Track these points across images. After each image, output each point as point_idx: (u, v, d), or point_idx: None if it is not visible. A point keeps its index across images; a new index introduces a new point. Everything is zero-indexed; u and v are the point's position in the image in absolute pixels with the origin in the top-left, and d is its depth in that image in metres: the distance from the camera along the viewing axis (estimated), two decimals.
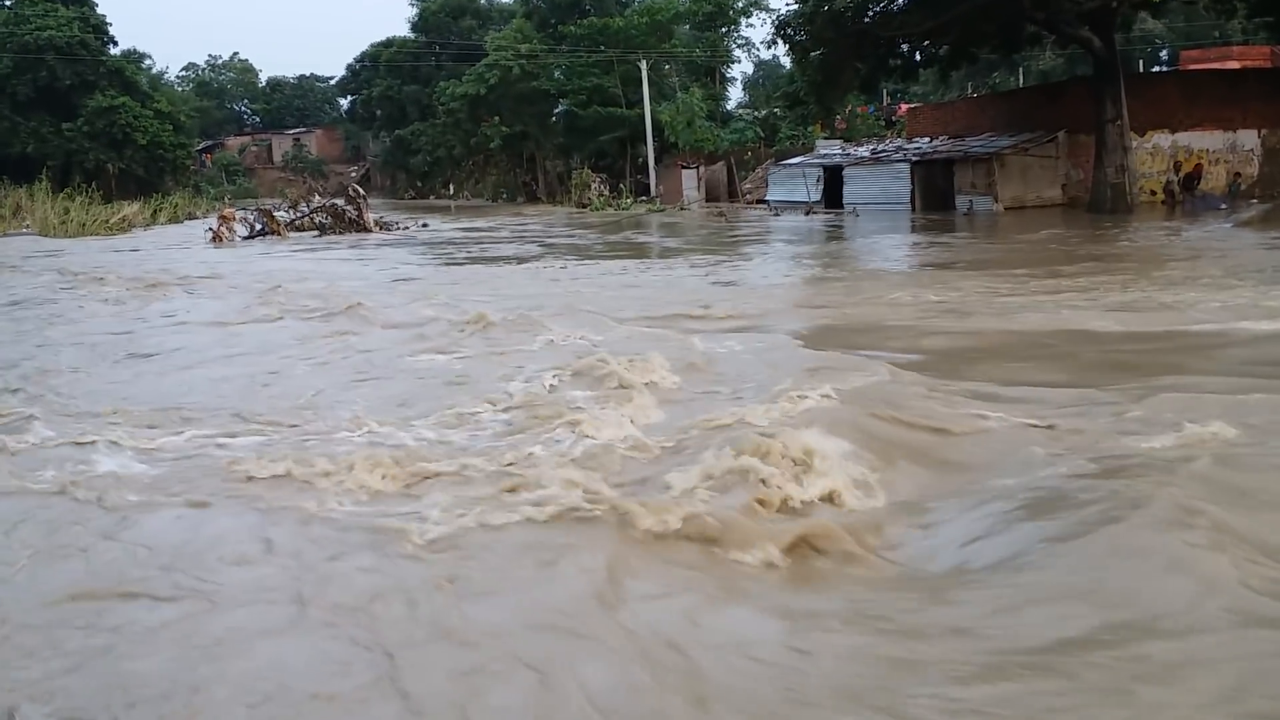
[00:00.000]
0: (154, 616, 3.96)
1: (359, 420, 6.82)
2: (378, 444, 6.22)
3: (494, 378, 8.19)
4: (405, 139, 62.73)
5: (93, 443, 6.44)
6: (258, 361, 9.62)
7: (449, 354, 9.58)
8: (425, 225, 34.38)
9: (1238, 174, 27.11)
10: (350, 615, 3.85)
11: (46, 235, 33.88)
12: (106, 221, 37.67)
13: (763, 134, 45.74)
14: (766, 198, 38.94)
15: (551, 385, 7.73)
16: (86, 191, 41.91)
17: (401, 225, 33.93)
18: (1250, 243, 18.25)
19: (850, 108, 45.29)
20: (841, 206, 34.07)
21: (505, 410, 7.04)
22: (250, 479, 5.57)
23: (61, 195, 41.16)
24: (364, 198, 34.24)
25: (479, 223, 36.45)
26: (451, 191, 59.82)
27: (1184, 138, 28.07)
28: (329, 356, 9.76)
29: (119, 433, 6.67)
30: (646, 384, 7.46)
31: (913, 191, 32.34)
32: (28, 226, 36.45)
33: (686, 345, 9.13)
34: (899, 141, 38.60)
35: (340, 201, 34.03)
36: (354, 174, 67.93)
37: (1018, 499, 4.86)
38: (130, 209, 40.78)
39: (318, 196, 36.32)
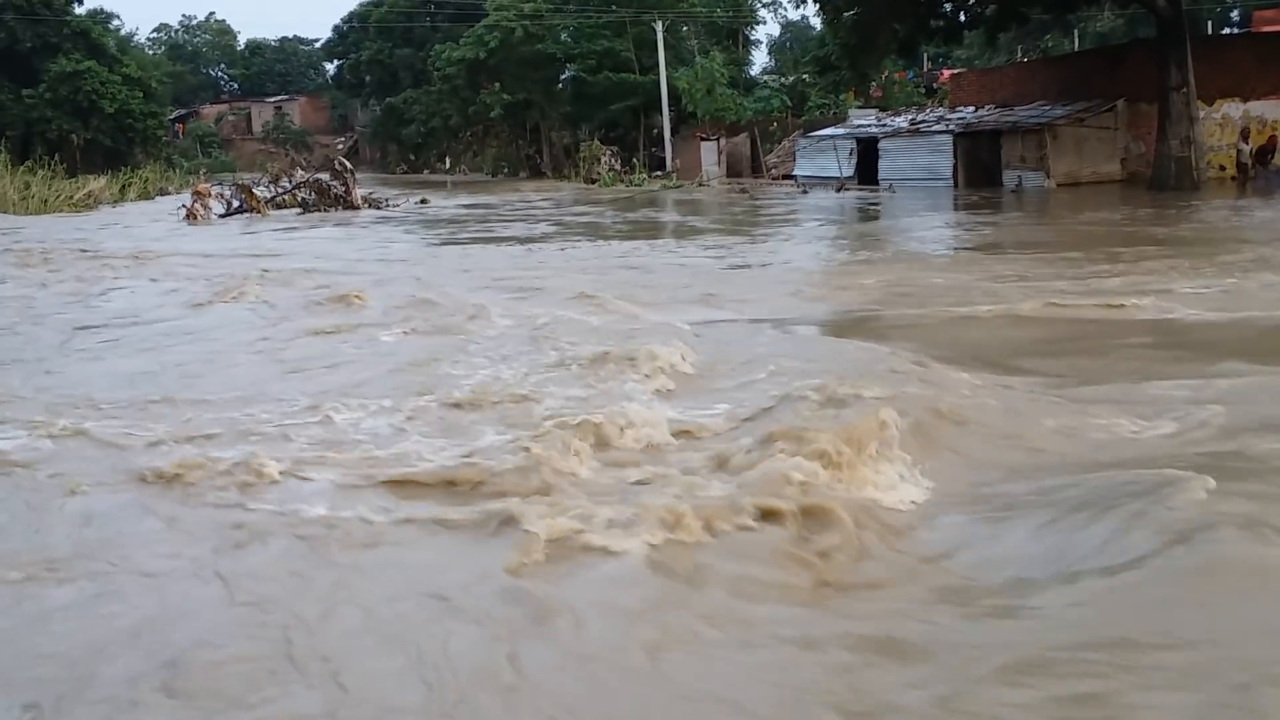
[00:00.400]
0: (53, 600, 4.33)
1: (285, 407, 7.14)
2: (297, 429, 6.60)
3: (452, 366, 8.40)
4: (397, 108, 62.77)
5: None
6: (197, 348, 9.87)
7: (412, 342, 9.76)
8: (424, 202, 34.42)
9: None
10: (246, 593, 4.31)
11: (6, 212, 34.02)
12: (70, 198, 37.82)
13: (790, 103, 45.52)
14: (793, 173, 38.81)
15: (530, 374, 7.90)
16: (49, 164, 42.08)
17: (393, 202, 33.99)
18: None
19: (887, 74, 45.00)
20: (876, 183, 33.93)
21: (447, 399, 7.24)
22: (150, 469, 5.85)
23: (22, 168, 41.32)
24: (351, 172, 34.28)
25: (480, 199, 36.46)
26: (448, 165, 59.82)
27: (1256, 107, 27.79)
28: (279, 345, 9.95)
29: (27, 418, 7.00)
30: (618, 371, 7.62)
31: (955, 166, 32.16)
32: None
33: (680, 334, 9.16)
34: (940, 111, 38.39)
35: (325, 176, 34.11)
36: (340, 146, 68.05)
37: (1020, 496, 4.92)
38: (96, 184, 40.93)
39: (301, 171, 36.41)
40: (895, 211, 25.81)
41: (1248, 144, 27.25)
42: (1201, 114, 26.68)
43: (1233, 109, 28.02)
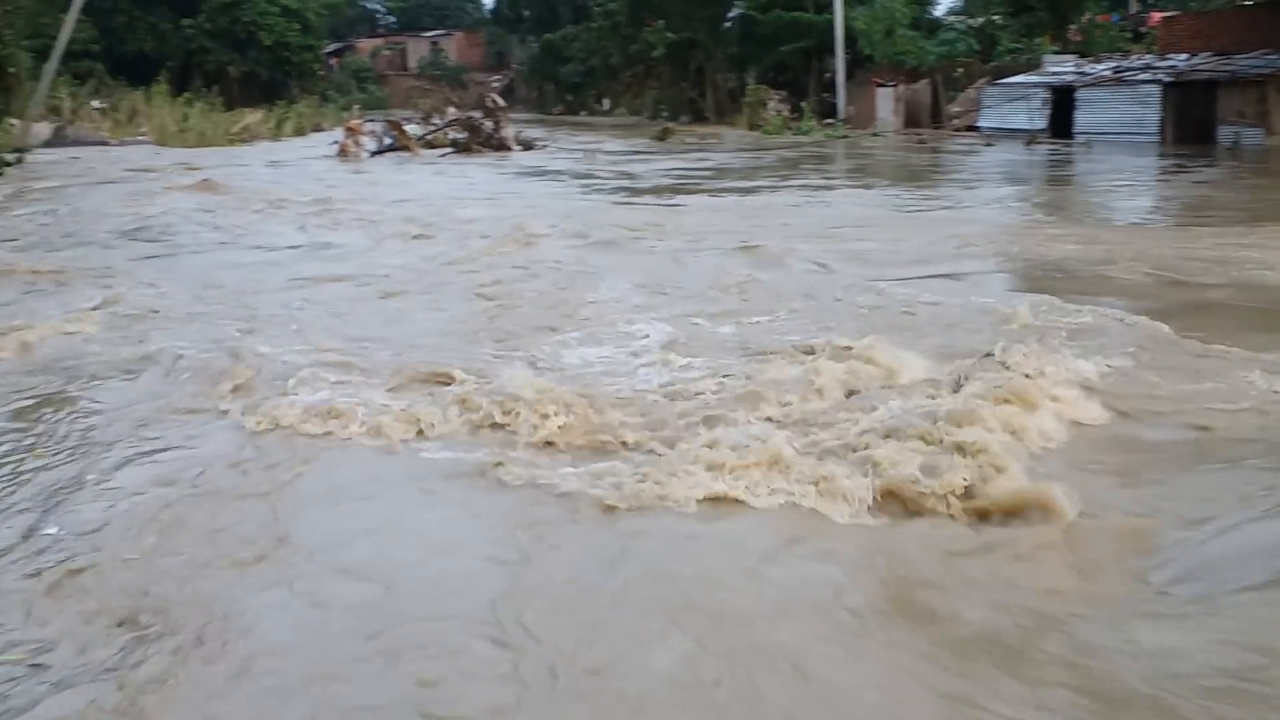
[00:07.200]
0: None
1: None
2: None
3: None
4: (555, 45, 63.03)
5: None
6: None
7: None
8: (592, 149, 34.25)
9: None
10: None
11: (164, 144, 35.61)
12: (227, 131, 39.38)
13: (978, 47, 43.82)
14: (978, 124, 37.49)
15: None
16: (206, 96, 43.71)
17: (542, 143, 34.30)
18: None
19: (1089, 16, 43.02)
20: (1070, 136, 32.52)
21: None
22: None
23: (180, 100, 43.12)
24: (504, 109, 34.69)
25: (615, 146, 36.19)
26: (606, 106, 59.89)
27: None
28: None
29: None
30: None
31: (1163, 120, 30.64)
32: (144, 133, 38.41)
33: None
34: (1148, 58, 36.46)
35: (477, 115, 34.56)
36: (496, 84, 68.70)
37: None
38: (253, 118, 42.47)
39: (452, 109, 37.04)
40: (1096, 170, 24.64)
41: None
42: None
43: None
